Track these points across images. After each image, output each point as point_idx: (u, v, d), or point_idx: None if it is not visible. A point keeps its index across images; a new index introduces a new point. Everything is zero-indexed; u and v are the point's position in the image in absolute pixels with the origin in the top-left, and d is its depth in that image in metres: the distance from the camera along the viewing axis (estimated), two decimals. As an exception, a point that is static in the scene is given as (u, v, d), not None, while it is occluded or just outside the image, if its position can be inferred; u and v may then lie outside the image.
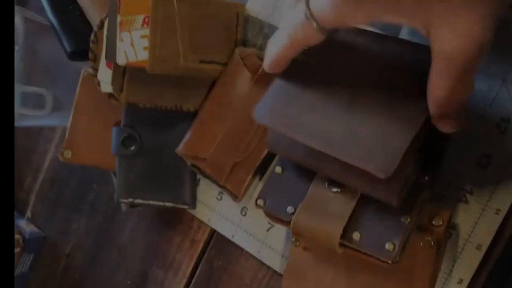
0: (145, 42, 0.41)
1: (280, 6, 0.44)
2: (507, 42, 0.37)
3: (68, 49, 0.45)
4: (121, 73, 0.43)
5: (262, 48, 0.45)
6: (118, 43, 0.41)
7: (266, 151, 0.42)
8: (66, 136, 0.49)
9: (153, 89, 0.43)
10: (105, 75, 0.43)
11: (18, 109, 0.50)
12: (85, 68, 0.47)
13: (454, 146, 0.37)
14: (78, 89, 0.47)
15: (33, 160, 0.65)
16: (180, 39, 0.41)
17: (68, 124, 0.49)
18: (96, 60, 0.43)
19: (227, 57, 0.43)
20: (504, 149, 0.36)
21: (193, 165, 0.45)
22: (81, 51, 0.44)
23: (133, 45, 0.41)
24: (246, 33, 0.45)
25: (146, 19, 0.41)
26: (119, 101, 0.43)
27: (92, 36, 0.42)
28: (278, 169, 0.38)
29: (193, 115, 0.45)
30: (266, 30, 0.45)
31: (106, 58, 0.41)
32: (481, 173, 0.37)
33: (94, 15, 0.44)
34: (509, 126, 0.36)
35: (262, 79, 0.42)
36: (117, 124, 0.47)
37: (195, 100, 0.44)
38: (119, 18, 0.41)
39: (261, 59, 0.43)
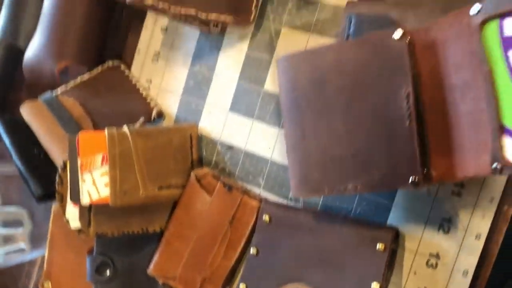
0: (106, 179, 0.45)
1: (230, 125, 0.49)
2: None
3: (36, 194, 0.48)
4: (87, 209, 0.46)
5: (217, 164, 0.49)
6: (80, 184, 0.44)
7: (231, 264, 0.45)
8: (44, 268, 0.51)
9: (119, 219, 0.46)
10: (72, 214, 0.46)
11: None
12: (55, 204, 0.50)
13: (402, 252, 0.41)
14: (50, 224, 0.49)
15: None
16: (138, 171, 0.45)
17: (45, 257, 0.51)
18: (62, 200, 0.46)
19: (184, 179, 0.47)
20: (451, 247, 0.40)
21: (164, 284, 0.47)
22: (49, 193, 0.47)
23: (95, 184, 0.45)
24: (202, 152, 0.50)
25: (105, 157, 0.45)
26: (88, 235, 0.46)
27: (56, 178, 0.46)
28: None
29: (160, 234, 0.48)
30: (219, 147, 0.49)
31: (71, 199, 0.44)
32: (432, 272, 0.40)
33: (57, 156, 0.47)
34: (452, 225, 0.40)
35: (219, 197, 0.45)
36: (90, 251, 0.50)
37: (159, 221, 0.47)
38: (79, 161, 0.45)
39: (217, 178, 0.47)
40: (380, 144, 0.33)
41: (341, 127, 0.35)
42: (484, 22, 0.28)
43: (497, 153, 0.28)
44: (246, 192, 0.45)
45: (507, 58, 0.28)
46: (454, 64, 0.29)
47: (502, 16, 0.28)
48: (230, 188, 0.45)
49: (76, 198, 0.44)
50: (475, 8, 0.29)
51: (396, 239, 0.41)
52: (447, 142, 0.31)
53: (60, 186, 0.46)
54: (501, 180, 0.40)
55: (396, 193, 0.42)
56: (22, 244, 0.52)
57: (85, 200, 0.44)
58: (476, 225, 0.40)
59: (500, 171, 0.28)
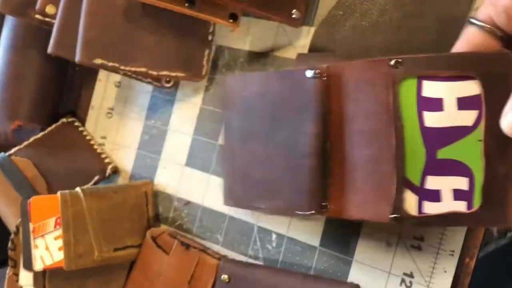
0: (60, 243, 0.43)
1: (186, 180, 0.47)
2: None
3: (-12, 261, 0.47)
4: (42, 275, 0.44)
5: (175, 220, 0.48)
6: (33, 250, 0.43)
7: (191, 326, 0.43)
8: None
9: (74, 282, 0.45)
10: (26, 280, 0.44)
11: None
12: (8, 270, 0.48)
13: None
14: (5, 288, 0.48)
15: None
16: (93, 233, 0.44)
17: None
18: (16, 266, 0.45)
19: (141, 238, 0.46)
20: None
21: None
22: (3, 259, 0.46)
23: (48, 249, 0.43)
24: (158, 209, 0.48)
25: (58, 220, 0.44)
26: (43, 300, 0.45)
27: (9, 244, 0.45)
28: (225, 278, 0.42)
29: (119, 296, 0.46)
30: (176, 203, 0.48)
31: (24, 266, 0.43)
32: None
33: (10, 219, 0.46)
34: (414, 280, 0.39)
35: (176, 256, 0.44)
36: (48, 316, 0.48)
37: (116, 283, 0.46)
38: (31, 226, 0.43)
39: (173, 237, 0.46)
40: (287, 174, 0.35)
41: (262, 152, 0.37)
42: (403, 77, 0.29)
43: (399, 205, 0.28)
44: (204, 250, 0.44)
45: (420, 117, 0.28)
46: (365, 109, 0.29)
47: (421, 76, 0.29)
48: (187, 246, 0.44)
49: (29, 265, 0.43)
50: (395, 62, 0.29)
51: (358, 295, 0.40)
52: (348, 181, 0.31)
53: (13, 252, 0.44)
54: (460, 232, 0.39)
55: (356, 248, 0.41)
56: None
57: (38, 266, 0.43)
58: (439, 280, 0.39)
59: (397, 221, 0.29)
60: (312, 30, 0.41)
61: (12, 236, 0.45)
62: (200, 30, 0.44)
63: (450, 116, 0.28)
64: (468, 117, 0.28)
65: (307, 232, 0.43)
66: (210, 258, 0.44)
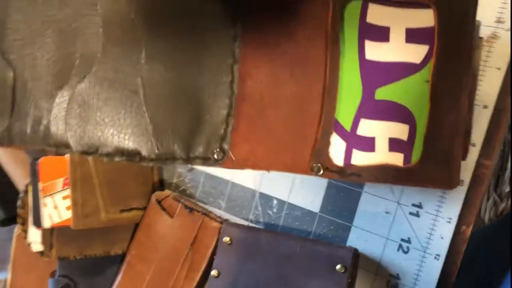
0: (67, 202, 0.45)
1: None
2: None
3: (0, 217, 0.48)
4: (49, 232, 0.46)
5: (178, 186, 0.49)
6: (42, 208, 0.44)
7: (193, 287, 0.45)
8: (8, 291, 0.51)
9: (80, 241, 0.46)
10: (34, 237, 0.46)
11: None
12: (18, 226, 0.50)
13: (363, 273, 0.41)
14: (13, 247, 0.49)
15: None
16: (99, 194, 0.45)
17: (8, 280, 0.51)
18: (24, 223, 0.46)
19: (146, 201, 0.47)
20: (411, 268, 0.39)
21: (128, 307, 0.47)
22: (12, 217, 0.47)
23: (57, 207, 0.45)
24: (162, 174, 0.49)
25: (66, 180, 0.45)
26: (51, 258, 0.46)
27: (18, 202, 0.46)
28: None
29: (122, 257, 0.48)
30: (180, 169, 0.49)
31: (33, 224, 0.44)
32: None
33: (19, 179, 0.48)
34: (411, 246, 0.40)
35: (180, 219, 0.45)
36: (53, 274, 0.49)
37: (121, 244, 0.47)
38: (40, 185, 0.45)
39: (177, 200, 0.47)
40: None
41: None
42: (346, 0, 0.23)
43: (322, 151, 0.23)
44: (207, 214, 0.45)
45: (361, 47, 0.23)
46: (294, 30, 0.23)
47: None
48: (191, 210, 0.45)
49: (38, 222, 0.44)
50: None
51: (356, 259, 0.40)
52: (258, 123, 0.24)
53: (22, 210, 0.46)
54: (458, 200, 0.39)
55: (355, 214, 0.42)
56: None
57: (46, 223, 0.44)
58: (435, 246, 0.40)
59: (319, 172, 0.24)
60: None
61: (21, 195, 0.47)
62: None
63: (395, 49, 0.23)
64: (416, 53, 0.23)
65: (307, 198, 0.44)
66: (213, 222, 0.45)
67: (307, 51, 0.23)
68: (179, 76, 0.21)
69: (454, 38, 0.22)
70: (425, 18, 0.22)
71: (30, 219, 0.46)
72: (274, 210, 0.45)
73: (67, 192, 0.45)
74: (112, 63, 0.21)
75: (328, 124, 0.23)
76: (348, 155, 0.24)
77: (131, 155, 0.21)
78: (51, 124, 0.21)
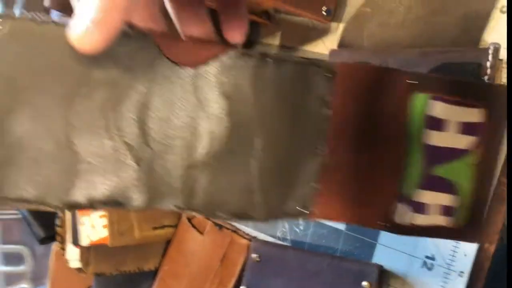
0: (104, 221, 0.47)
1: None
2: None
3: (39, 237, 0.51)
4: (86, 250, 0.48)
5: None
6: (80, 227, 0.47)
7: (223, 301, 0.47)
8: (47, 305, 0.54)
9: (116, 258, 0.49)
10: (73, 254, 0.48)
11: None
12: (56, 243, 0.53)
13: None
14: (51, 263, 0.52)
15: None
16: (133, 213, 0.47)
17: (47, 296, 0.54)
18: (63, 241, 0.49)
19: (177, 219, 0.49)
20: (435, 284, 0.41)
21: (161, 321, 0.49)
22: (51, 235, 0.50)
23: (94, 226, 0.47)
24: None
25: (103, 200, 0.48)
26: (88, 274, 0.48)
27: (57, 221, 0.49)
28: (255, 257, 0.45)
29: (155, 272, 0.50)
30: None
31: (72, 242, 0.47)
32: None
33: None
34: (435, 263, 0.41)
35: (210, 236, 0.47)
36: (90, 289, 0.52)
37: (154, 260, 0.50)
38: (78, 205, 0.47)
39: (207, 218, 0.49)
40: None
41: None
42: (417, 92, 0.29)
43: (390, 214, 0.30)
44: (235, 231, 0.47)
45: (425, 134, 0.30)
46: (372, 114, 0.29)
47: (433, 96, 0.30)
48: (220, 227, 0.47)
49: (76, 240, 0.47)
50: (413, 78, 0.30)
51: (381, 276, 0.42)
52: (337, 185, 0.30)
53: (61, 229, 0.48)
54: (481, 218, 0.41)
55: (380, 232, 0.43)
56: (25, 285, 0.55)
57: (84, 241, 0.47)
58: (459, 263, 0.41)
59: (385, 229, 0.30)
60: (341, 26, 0.44)
61: (60, 214, 0.49)
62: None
63: (451, 138, 0.30)
64: (466, 142, 0.31)
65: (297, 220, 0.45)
66: (241, 239, 0.47)
67: (382, 131, 0.29)
68: (281, 153, 0.27)
69: (495, 132, 0.30)
70: (476, 115, 0.30)
71: (68, 237, 0.48)
72: (301, 227, 0.46)
73: (103, 211, 0.47)
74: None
75: (396, 191, 0.30)
76: (408, 216, 0.30)
77: (240, 216, 0.27)
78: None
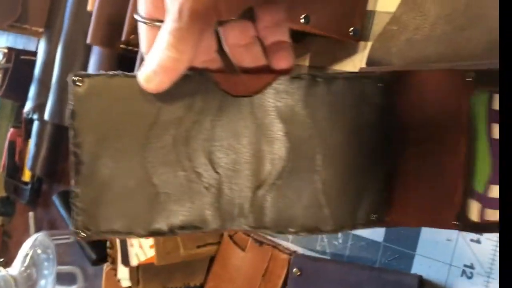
0: (151, 241, 0.50)
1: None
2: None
3: (91, 259, 0.54)
4: (136, 269, 0.51)
5: (247, 219, 0.53)
6: (129, 248, 0.50)
7: (268, 314, 0.48)
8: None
9: (163, 276, 0.51)
10: (123, 273, 0.51)
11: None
12: (107, 264, 0.56)
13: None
14: (103, 282, 0.55)
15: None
16: (178, 233, 0.50)
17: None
18: (114, 262, 0.52)
19: (219, 236, 0.52)
20: None
21: (209, 334, 0.51)
22: (102, 257, 0.53)
23: (142, 247, 0.50)
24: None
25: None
26: (137, 292, 0.51)
27: (108, 243, 0.52)
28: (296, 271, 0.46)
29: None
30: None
31: (122, 263, 0.50)
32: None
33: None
34: (474, 271, 0.42)
35: (251, 252, 0.49)
36: (139, 306, 0.55)
37: (199, 276, 0.52)
38: (126, 227, 0.50)
39: (248, 234, 0.51)
40: None
41: None
42: (476, 89, 0.30)
43: (463, 212, 0.30)
44: (276, 246, 0.49)
45: (490, 130, 0.30)
46: (434, 119, 0.30)
47: (494, 90, 0.30)
48: (261, 243, 0.49)
49: (126, 261, 0.50)
50: (471, 74, 0.30)
51: (421, 286, 0.43)
52: (409, 191, 0.31)
53: (111, 250, 0.51)
54: (519, 226, 0.41)
55: (418, 242, 0.44)
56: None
57: (134, 261, 0.50)
58: (498, 271, 0.41)
59: (461, 229, 0.30)
60: (369, 44, 0.45)
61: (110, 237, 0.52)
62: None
63: None
64: None
65: (371, 229, 0.47)
66: (282, 254, 0.49)
67: (446, 133, 0.30)
68: (343, 166, 0.28)
69: None
70: None
71: (119, 258, 0.51)
72: (340, 240, 0.48)
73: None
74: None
75: (467, 189, 0.30)
76: (482, 213, 0.30)
77: (312, 231, 0.28)
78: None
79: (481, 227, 0.30)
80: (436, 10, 0.45)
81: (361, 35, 0.46)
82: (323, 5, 0.45)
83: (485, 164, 0.30)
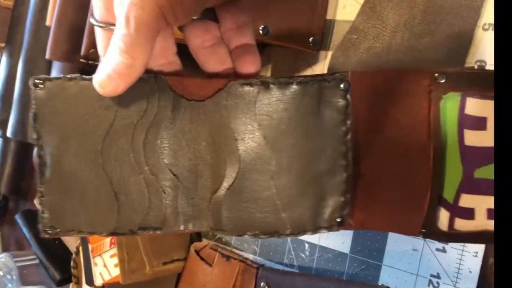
0: (115, 260, 0.49)
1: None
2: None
3: (55, 279, 0.53)
4: (101, 289, 0.50)
5: (214, 234, 0.52)
6: (93, 267, 0.48)
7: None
8: None
9: (129, 295, 0.50)
10: (88, 293, 0.50)
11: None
12: (72, 284, 0.54)
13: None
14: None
15: None
16: (143, 250, 0.49)
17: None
18: (79, 282, 0.50)
19: (185, 252, 0.50)
20: None
21: None
22: (66, 277, 0.51)
23: (106, 266, 0.49)
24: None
25: (113, 240, 0.49)
26: (104, 312, 0.50)
27: (72, 263, 0.50)
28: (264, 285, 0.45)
29: (169, 305, 0.51)
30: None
31: (86, 283, 0.48)
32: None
33: (71, 241, 0.52)
34: (441, 281, 0.41)
35: (218, 267, 0.48)
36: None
37: (167, 294, 0.51)
38: (90, 247, 0.49)
39: (215, 249, 0.50)
40: None
41: None
42: (446, 91, 0.28)
43: (430, 220, 0.28)
44: (243, 261, 0.48)
45: (460, 135, 0.28)
46: (400, 121, 0.29)
47: (466, 93, 0.28)
48: (228, 258, 0.48)
49: (90, 281, 0.48)
50: (442, 76, 0.28)
51: (389, 297, 0.42)
52: (373, 194, 0.30)
53: (75, 270, 0.50)
54: (483, 234, 0.41)
55: (384, 253, 0.44)
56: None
57: (98, 281, 0.48)
58: (465, 280, 0.41)
59: (427, 236, 0.29)
60: (329, 54, 0.45)
61: (74, 256, 0.51)
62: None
63: (491, 136, 0.28)
64: None
65: (337, 240, 0.46)
66: (249, 268, 0.48)
67: (412, 135, 0.28)
68: (300, 170, 0.27)
69: None
70: None
71: (83, 278, 0.50)
72: (307, 253, 0.47)
73: (114, 250, 0.48)
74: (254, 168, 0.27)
75: (435, 198, 0.28)
76: (451, 222, 0.29)
77: (271, 234, 0.27)
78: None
79: (449, 237, 0.29)
80: (395, 18, 0.44)
81: (321, 44, 0.45)
82: (281, 16, 0.44)
83: (455, 172, 0.28)
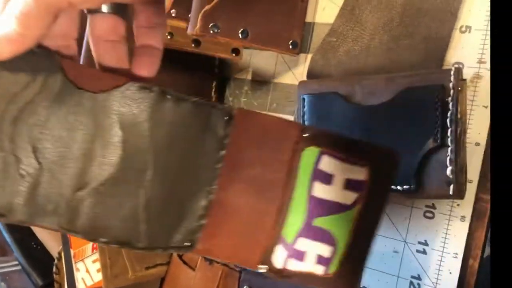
0: (97, 265, 0.49)
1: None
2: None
3: (38, 284, 0.52)
4: (84, 295, 0.50)
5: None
6: (75, 273, 0.48)
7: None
8: None
9: (113, 300, 0.50)
10: (70, 300, 0.50)
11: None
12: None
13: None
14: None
15: None
16: (125, 255, 0.49)
17: None
18: (61, 287, 0.50)
19: (168, 256, 0.50)
20: None
21: None
22: (48, 283, 0.51)
23: (88, 271, 0.49)
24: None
25: (95, 245, 0.49)
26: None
27: (54, 268, 0.50)
28: None
29: (153, 311, 0.51)
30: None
31: (67, 288, 0.48)
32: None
33: (52, 246, 0.52)
34: (421, 282, 0.42)
35: (201, 271, 0.48)
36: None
37: (150, 299, 0.51)
38: (72, 252, 0.49)
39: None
40: None
41: None
42: (309, 145, 0.31)
43: (268, 256, 0.30)
44: (226, 264, 0.48)
45: (311, 185, 0.31)
46: (264, 161, 0.31)
47: (323, 151, 0.31)
48: (210, 262, 0.48)
49: (72, 286, 0.48)
50: (308, 131, 0.31)
51: (370, 299, 0.42)
52: (225, 224, 0.31)
53: (58, 276, 0.50)
54: (462, 235, 0.41)
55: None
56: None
57: (80, 287, 0.48)
58: (445, 281, 0.41)
59: (263, 271, 0.31)
60: (309, 57, 0.45)
61: (56, 261, 0.51)
62: (207, 65, 0.48)
63: (335, 192, 0.31)
64: (349, 197, 0.31)
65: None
66: (232, 271, 0.48)
67: (272, 177, 0.30)
68: (171, 186, 0.27)
69: (377, 192, 0.31)
70: (361, 173, 0.31)
71: (65, 283, 0.50)
72: (289, 256, 0.47)
73: (96, 255, 0.48)
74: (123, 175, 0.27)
75: (277, 236, 0.31)
76: (285, 261, 0.31)
77: (123, 244, 0.27)
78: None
79: (281, 274, 0.31)
80: (373, 21, 0.44)
81: (301, 47, 0.45)
82: (260, 19, 0.44)
83: (298, 216, 0.30)
